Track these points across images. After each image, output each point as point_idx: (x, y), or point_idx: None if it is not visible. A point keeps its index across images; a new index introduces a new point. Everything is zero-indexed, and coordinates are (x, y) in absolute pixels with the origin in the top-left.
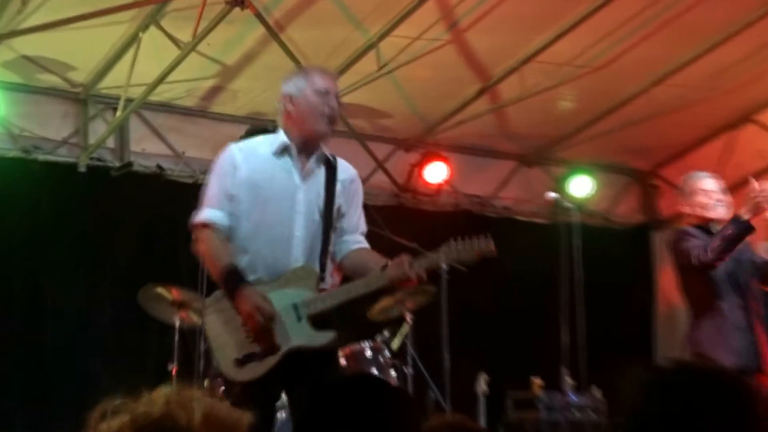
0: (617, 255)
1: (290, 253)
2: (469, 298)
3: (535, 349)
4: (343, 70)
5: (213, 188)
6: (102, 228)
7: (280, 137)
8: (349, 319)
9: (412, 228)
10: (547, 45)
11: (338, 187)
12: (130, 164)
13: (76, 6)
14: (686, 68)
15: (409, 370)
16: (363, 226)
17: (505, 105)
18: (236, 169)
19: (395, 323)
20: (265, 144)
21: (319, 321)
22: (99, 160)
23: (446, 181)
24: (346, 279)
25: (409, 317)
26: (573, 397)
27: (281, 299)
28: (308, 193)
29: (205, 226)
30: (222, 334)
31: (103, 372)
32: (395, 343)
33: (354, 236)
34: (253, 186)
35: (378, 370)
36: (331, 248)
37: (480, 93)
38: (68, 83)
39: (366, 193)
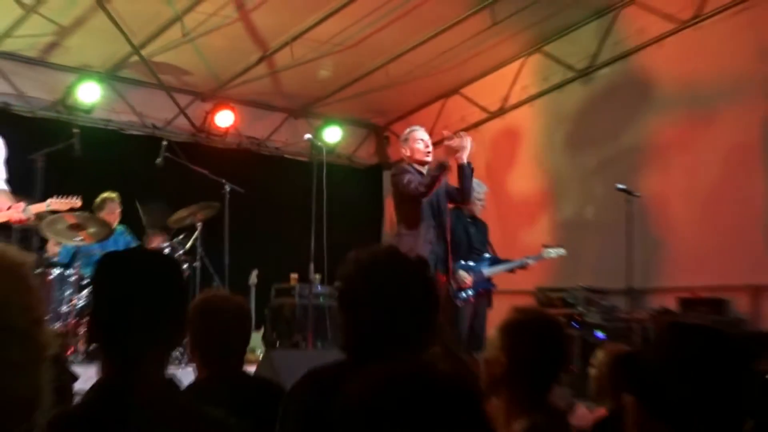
0: (357, 187)
1: None
2: (246, 215)
3: (294, 253)
4: (155, 36)
5: None
6: None
7: None
8: None
9: (205, 160)
10: (312, 26)
11: None
12: None
13: None
14: (414, 51)
15: (198, 265)
16: (4, 174)
17: (279, 71)
18: None
19: (189, 229)
20: None
21: None
22: None
23: (232, 126)
24: None
25: (199, 226)
26: (318, 288)
27: None
28: None
29: None
30: None
31: None
32: (188, 244)
33: None
34: None
35: None
36: None
37: (260, 60)
38: None
39: (170, 132)
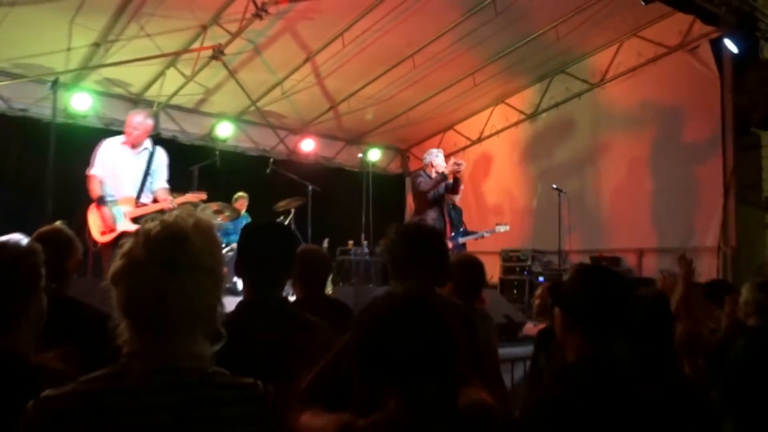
0: (389, 188)
1: (125, 189)
2: (321, 204)
3: (350, 228)
4: (265, 94)
5: (96, 159)
6: None
7: (122, 138)
8: None
9: (296, 171)
10: (361, 88)
11: (155, 159)
12: (159, 134)
13: (133, 54)
14: (425, 103)
15: None
16: (165, 175)
17: (341, 115)
18: (105, 151)
19: (286, 213)
20: (118, 140)
21: (133, 220)
22: None
23: (312, 150)
24: (155, 201)
25: (292, 211)
26: (366, 250)
27: (117, 209)
28: (138, 162)
29: (92, 175)
30: (95, 220)
31: None
32: (285, 223)
33: (160, 182)
34: (112, 159)
35: None
36: (147, 188)
37: (329, 109)
38: (127, 92)
39: (274, 153)
